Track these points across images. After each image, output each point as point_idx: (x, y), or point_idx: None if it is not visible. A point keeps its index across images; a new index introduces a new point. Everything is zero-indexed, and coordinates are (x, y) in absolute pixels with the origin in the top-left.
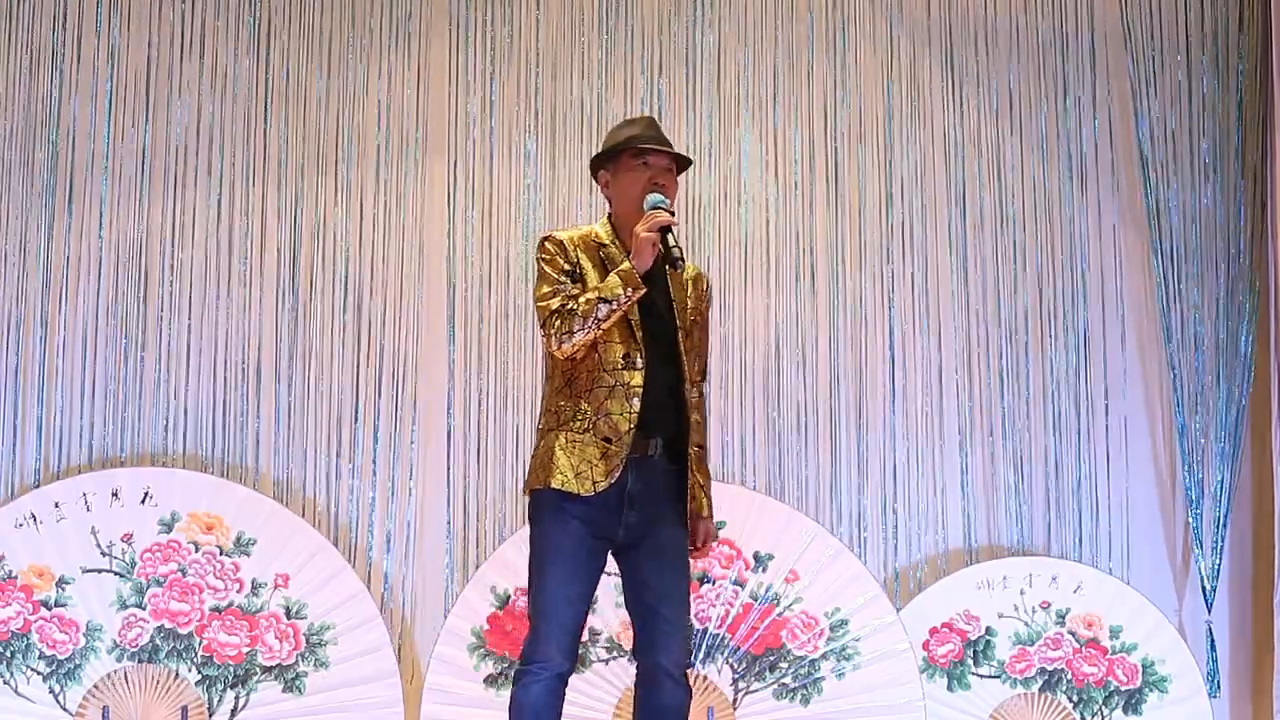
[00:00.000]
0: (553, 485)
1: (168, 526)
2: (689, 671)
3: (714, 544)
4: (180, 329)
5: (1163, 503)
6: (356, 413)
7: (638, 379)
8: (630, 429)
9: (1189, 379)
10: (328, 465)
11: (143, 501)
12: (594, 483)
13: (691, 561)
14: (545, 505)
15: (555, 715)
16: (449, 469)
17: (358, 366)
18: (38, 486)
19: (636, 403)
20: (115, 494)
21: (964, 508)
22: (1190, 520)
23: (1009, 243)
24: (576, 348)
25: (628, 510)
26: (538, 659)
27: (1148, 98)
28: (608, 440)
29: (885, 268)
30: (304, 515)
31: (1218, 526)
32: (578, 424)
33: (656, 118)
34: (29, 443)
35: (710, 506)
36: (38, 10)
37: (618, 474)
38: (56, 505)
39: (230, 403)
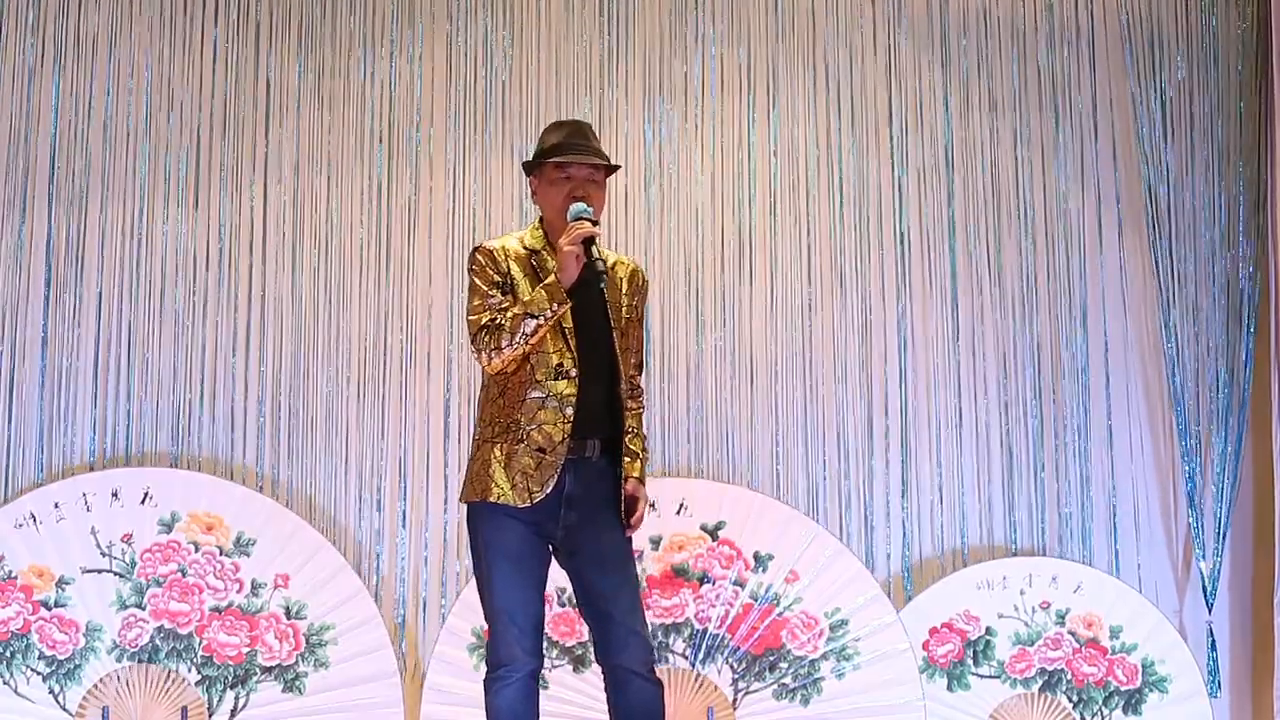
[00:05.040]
0: (489, 500)
1: (168, 526)
2: (655, 666)
3: (644, 509)
4: (180, 329)
5: (1163, 503)
6: (356, 412)
7: (570, 388)
8: (565, 439)
9: (1189, 379)
10: (328, 465)
11: (143, 501)
12: (530, 493)
13: (629, 533)
14: (483, 514)
15: (534, 714)
16: (448, 469)
17: (357, 366)
18: (38, 486)
19: (570, 411)
20: (115, 494)
21: (964, 508)
22: (1191, 520)
23: (1009, 243)
24: (506, 362)
25: (566, 511)
26: (504, 662)
27: (1148, 97)
28: (542, 450)
29: (886, 269)
30: (304, 515)
31: (1219, 527)
32: (512, 435)
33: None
34: (29, 443)
35: (642, 471)
36: (37, 5)
37: (553, 482)
38: (56, 505)
39: (230, 403)
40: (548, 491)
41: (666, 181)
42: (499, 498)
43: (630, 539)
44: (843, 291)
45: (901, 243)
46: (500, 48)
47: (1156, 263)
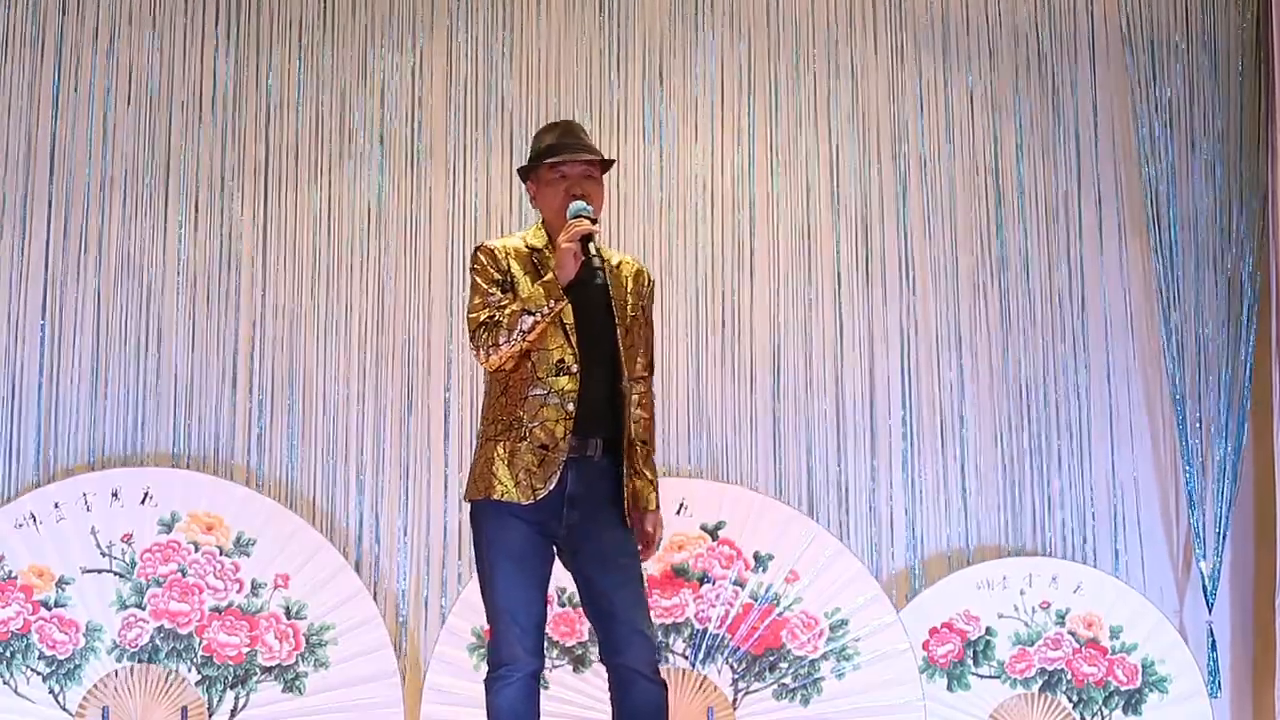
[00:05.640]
0: (493, 497)
1: (168, 526)
2: (659, 667)
3: (661, 536)
4: (181, 328)
5: (1163, 503)
6: (356, 412)
7: (571, 384)
8: (566, 434)
9: (1189, 379)
10: (327, 465)
11: (143, 501)
12: (534, 490)
13: (644, 560)
14: (487, 513)
15: (534, 714)
16: (448, 469)
17: (357, 366)
18: (38, 486)
19: (572, 408)
20: (115, 494)
21: (964, 508)
22: (1191, 520)
23: (1009, 244)
24: (504, 359)
25: (569, 510)
26: (505, 661)
27: (1148, 97)
28: (544, 447)
29: (888, 268)
30: (304, 515)
31: (1219, 526)
32: (515, 432)
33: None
34: (29, 443)
35: (658, 501)
36: (37, 5)
37: (556, 479)
38: (56, 505)
39: (231, 403)
40: (550, 488)
41: (666, 181)
42: (502, 495)
43: (634, 538)
44: (843, 291)
45: (902, 242)
46: (500, 48)
47: (1157, 263)
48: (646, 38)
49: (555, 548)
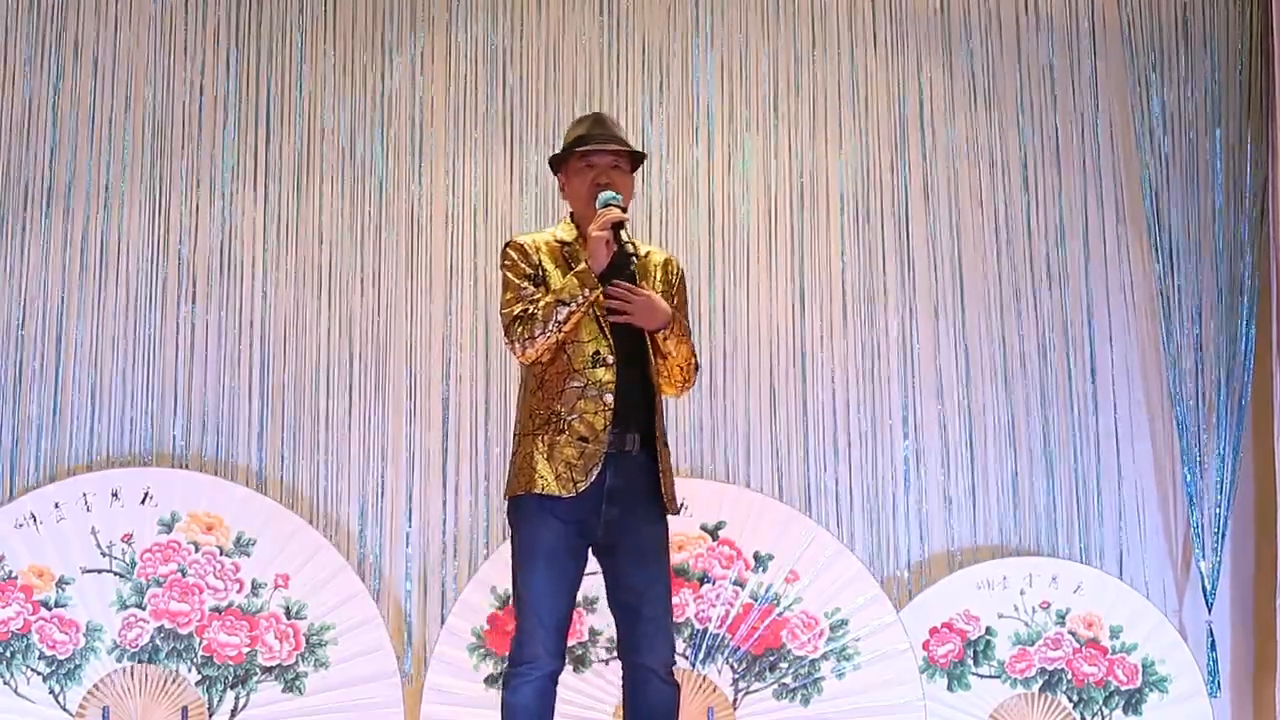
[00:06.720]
0: (535, 491)
1: (168, 526)
2: (674, 669)
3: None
4: (181, 328)
5: (1163, 503)
6: (356, 412)
7: (609, 375)
8: (606, 425)
9: (1189, 379)
10: (327, 466)
11: (143, 501)
12: (575, 483)
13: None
14: (527, 508)
15: (547, 715)
16: (447, 468)
17: (358, 367)
18: (38, 486)
19: (610, 398)
20: (115, 494)
21: (964, 507)
22: (1191, 520)
23: (1010, 243)
24: (540, 351)
25: (607, 506)
26: (526, 659)
27: (1148, 96)
28: (584, 440)
29: (888, 267)
30: (304, 515)
31: (1218, 526)
32: (553, 426)
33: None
34: (29, 443)
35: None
36: (35, 8)
37: (596, 471)
38: (56, 505)
39: (230, 403)
40: (591, 480)
41: (666, 181)
42: (543, 489)
43: (667, 534)
44: (843, 291)
45: (902, 241)
46: (501, 48)
47: (1157, 262)
48: (646, 37)
49: (591, 548)
